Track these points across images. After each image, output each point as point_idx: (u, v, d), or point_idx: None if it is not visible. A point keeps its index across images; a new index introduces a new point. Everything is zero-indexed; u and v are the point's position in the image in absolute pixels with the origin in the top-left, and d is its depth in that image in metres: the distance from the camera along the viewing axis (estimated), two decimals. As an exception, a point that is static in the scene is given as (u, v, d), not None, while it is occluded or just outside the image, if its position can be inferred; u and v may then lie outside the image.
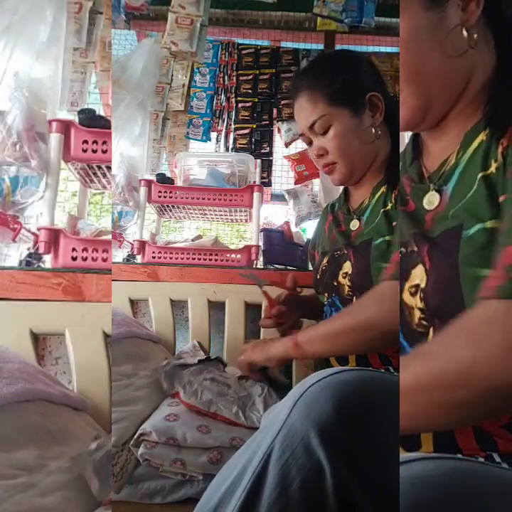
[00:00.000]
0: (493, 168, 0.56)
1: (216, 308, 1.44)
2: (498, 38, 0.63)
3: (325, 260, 1.00)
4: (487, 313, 0.46)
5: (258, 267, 1.75)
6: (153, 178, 1.86)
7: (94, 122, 1.22)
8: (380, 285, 0.77)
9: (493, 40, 0.63)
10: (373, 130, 0.91)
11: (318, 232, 1.14)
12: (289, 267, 1.82)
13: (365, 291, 0.83)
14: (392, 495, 0.48)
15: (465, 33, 0.60)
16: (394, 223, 0.84)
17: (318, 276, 1.01)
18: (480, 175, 0.57)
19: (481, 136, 0.59)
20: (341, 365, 0.88)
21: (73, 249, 1.17)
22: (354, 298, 0.90)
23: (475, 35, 0.60)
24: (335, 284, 0.93)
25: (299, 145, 2.78)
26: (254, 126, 2.78)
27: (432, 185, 0.66)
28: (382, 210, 0.88)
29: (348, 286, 0.90)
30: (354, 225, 0.95)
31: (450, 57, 0.61)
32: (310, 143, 0.97)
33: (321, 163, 0.95)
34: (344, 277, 0.91)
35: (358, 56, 0.97)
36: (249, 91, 2.81)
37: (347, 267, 0.91)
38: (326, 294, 0.98)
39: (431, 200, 0.66)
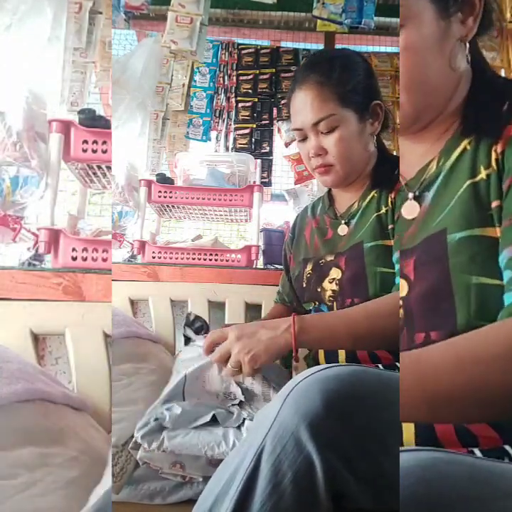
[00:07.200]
0: (482, 175, 0.57)
1: (216, 308, 1.44)
2: (472, 53, 0.65)
3: (309, 267, 0.98)
4: None
5: (258, 267, 1.75)
6: (153, 178, 1.86)
7: (94, 122, 1.22)
8: None
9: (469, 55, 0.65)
10: (372, 138, 0.92)
11: (297, 235, 1.10)
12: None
13: (357, 296, 0.84)
14: (384, 485, 0.49)
15: (467, 46, 0.61)
16: (390, 226, 0.84)
17: (304, 285, 0.98)
18: (468, 182, 0.58)
19: (464, 144, 0.61)
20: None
21: (73, 249, 1.17)
22: (335, 304, 0.89)
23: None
24: (318, 290, 0.93)
25: (299, 145, 2.77)
26: (254, 126, 2.78)
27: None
28: (375, 214, 0.88)
29: (331, 291, 0.90)
30: (342, 229, 0.95)
31: (450, 70, 0.62)
32: (304, 139, 0.93)
33: (315, 162, 0.91)
34: (330, 282, 0.90)
35: (363, 59, 0.94)
36: (249, 91, 2.81)
37: (334, 273, 0.90)
38: (313, 302, 0.97)
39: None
